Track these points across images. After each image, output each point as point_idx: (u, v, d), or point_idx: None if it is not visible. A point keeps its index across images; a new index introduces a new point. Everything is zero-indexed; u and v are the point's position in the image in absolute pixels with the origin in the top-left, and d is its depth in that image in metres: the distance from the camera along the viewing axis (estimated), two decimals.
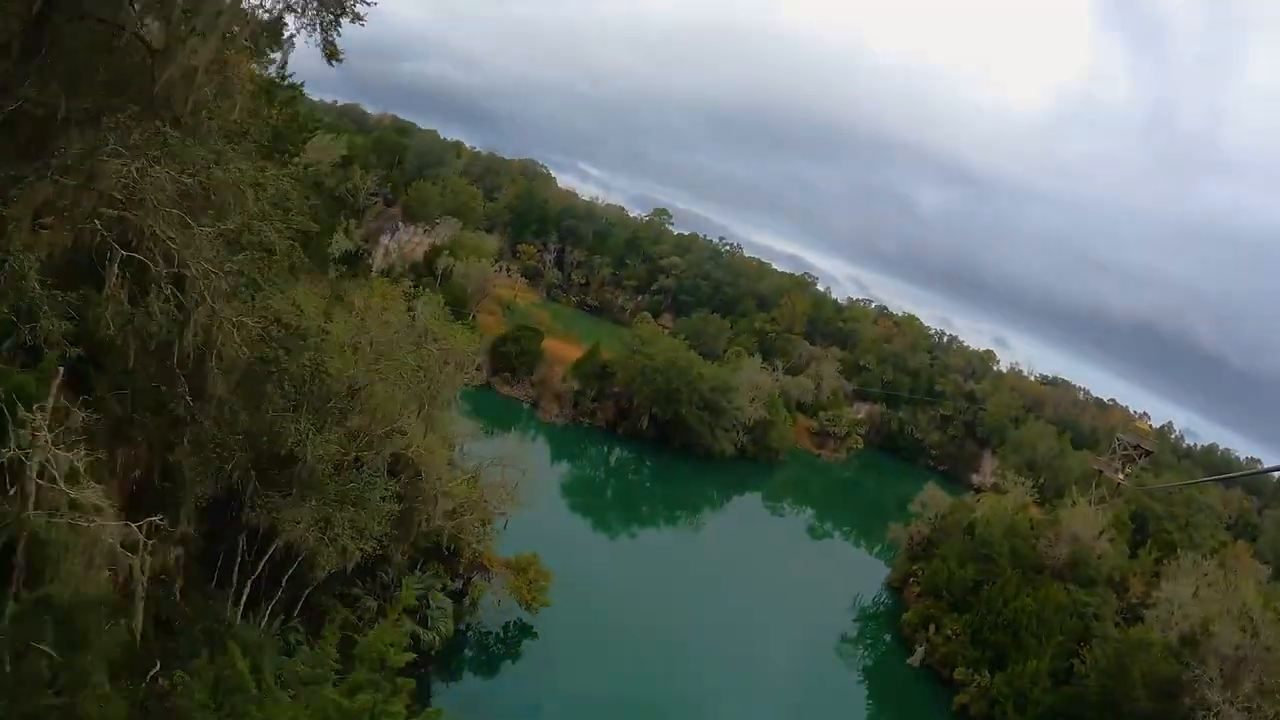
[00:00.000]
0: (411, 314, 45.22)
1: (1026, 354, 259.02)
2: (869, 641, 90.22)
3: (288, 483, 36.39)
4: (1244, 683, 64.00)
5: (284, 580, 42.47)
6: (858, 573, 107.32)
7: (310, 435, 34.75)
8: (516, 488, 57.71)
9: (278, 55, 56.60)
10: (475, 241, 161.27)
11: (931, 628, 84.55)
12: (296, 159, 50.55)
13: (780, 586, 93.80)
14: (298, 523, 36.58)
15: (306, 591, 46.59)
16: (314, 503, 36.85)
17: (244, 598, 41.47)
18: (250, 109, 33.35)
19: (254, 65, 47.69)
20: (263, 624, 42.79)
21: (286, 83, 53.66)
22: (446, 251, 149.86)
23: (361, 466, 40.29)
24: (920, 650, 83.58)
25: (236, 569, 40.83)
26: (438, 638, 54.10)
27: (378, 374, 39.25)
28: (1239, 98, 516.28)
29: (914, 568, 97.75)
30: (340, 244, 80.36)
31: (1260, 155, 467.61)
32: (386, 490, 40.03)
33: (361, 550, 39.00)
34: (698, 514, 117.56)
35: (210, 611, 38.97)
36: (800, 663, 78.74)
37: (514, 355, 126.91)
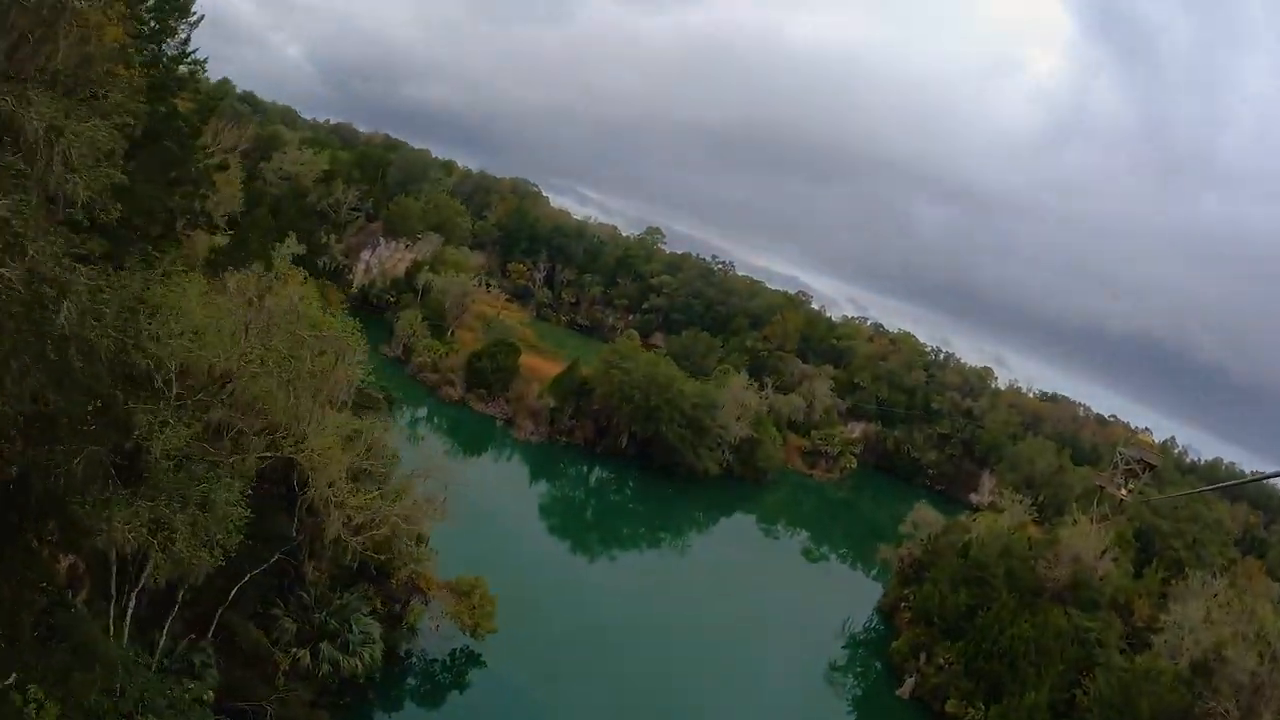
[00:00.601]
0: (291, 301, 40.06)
1: (1025, 372, 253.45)
2: (859, 670, 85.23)
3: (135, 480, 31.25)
4: (1263, 714, 58.44)
5: (181, 596, 37.92)
6: (850, 596, 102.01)
7: (165, 426, 29.67)
8: (444, 502, 52.24)
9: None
10: (456, 257, 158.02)
11: (922, 657, 79.18)
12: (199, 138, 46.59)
13: (768, 612, 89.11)
14: (125, 524, 31.19)
15: (220, 610, 42.25)
16: (158, 501, 31.61)
17: (129, 612, 36.79)
18: (83, 58, 28.75)
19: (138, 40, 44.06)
20: (161, 643, 39.03)
21: (189, 58, 49.60)
22: (427, 267, 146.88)
23: (216, 465, 34.83)
24: (910, 681, 78.23)
25: (114, 580, 35.95)
26: (361, 665, 48.91)
27: (247, 362, 34.06)
28: (1233, 108, 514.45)
29: (905, 592, 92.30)
30: (291, 247, 75.52)
31: (1258, 166, 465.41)
32: (238, 493, 34.55)
33: (205, 561, 33.62)
34: (682, 536, 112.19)
35: (87, 626, 34.43)
36: (787, 694, 73.68)
37: (489, 371, 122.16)
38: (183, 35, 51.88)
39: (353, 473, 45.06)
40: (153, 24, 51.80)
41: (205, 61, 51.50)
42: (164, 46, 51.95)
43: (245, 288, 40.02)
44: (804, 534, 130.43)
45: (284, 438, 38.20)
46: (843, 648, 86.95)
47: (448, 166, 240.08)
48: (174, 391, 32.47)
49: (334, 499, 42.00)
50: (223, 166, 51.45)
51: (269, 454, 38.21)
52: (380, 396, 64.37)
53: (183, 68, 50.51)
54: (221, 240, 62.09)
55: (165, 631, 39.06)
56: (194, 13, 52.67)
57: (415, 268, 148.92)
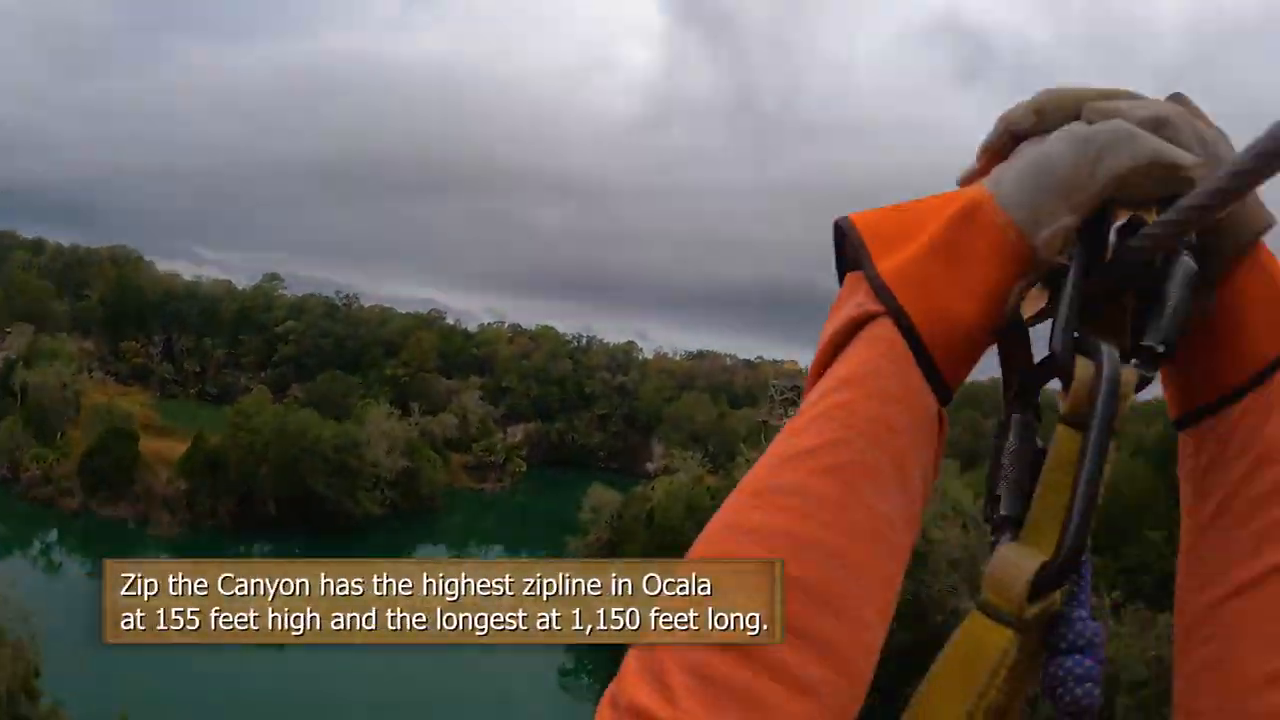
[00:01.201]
0: None
1: (669, 340, 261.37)
2: (589, 668, 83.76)
3: None
4: None
5: None
6: None
7: None
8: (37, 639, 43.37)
9: None
10: (54, 345, 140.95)
11: None
12: None
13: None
14: None
15: None
16: None
17: None
18: None
19: None
20: None
21: None
22: (21, 363, 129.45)
23: None
24: None
25: None
26: None
27: None
28: (808, 69, 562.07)
29: None
30: None
31: (835, 116, 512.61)
32: None
33: None
34: None
35: None
36: (522, 713, 73.00)
37: (106, 469, 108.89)
38: None
39: None
40: None
41: None
42: None
43: None
44: (495, 548, 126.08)
45: None
46: (567, 650, 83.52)
47: (36, 245, 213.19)
48: None
49: None
50: None
51: None
52: None
53: None
54: None
55: None
56: None
57: (7, 367, 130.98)
